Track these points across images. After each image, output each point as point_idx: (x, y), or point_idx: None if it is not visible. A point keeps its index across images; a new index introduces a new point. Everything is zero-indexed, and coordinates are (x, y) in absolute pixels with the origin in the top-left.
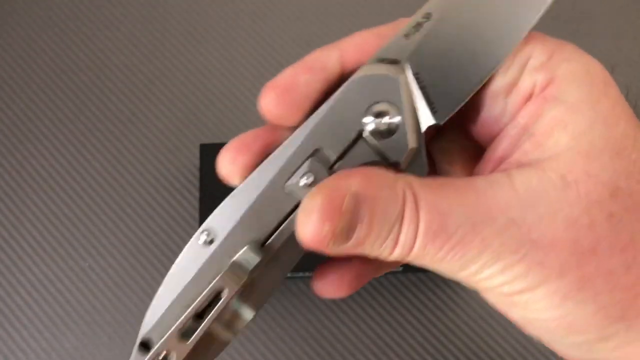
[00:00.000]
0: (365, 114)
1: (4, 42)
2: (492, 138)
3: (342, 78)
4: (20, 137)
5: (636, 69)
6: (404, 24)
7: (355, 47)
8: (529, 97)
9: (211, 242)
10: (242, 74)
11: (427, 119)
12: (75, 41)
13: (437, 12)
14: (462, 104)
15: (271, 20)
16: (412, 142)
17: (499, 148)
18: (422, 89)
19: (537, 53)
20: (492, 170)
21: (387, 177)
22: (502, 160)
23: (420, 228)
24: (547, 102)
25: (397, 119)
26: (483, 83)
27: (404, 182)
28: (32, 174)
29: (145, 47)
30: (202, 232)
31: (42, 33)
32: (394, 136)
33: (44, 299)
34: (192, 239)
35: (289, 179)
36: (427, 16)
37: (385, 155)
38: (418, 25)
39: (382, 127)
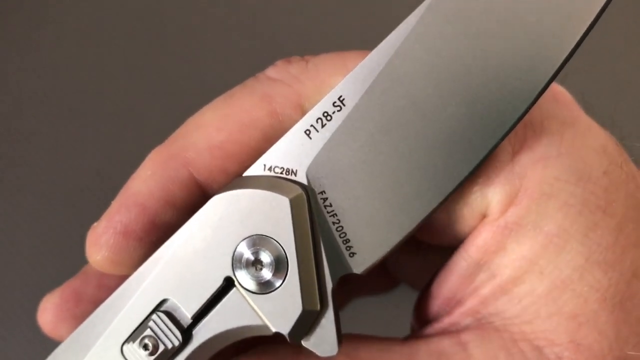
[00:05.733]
0: (234, 254)
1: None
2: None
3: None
4: (15, 136)
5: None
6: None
7: (210, 151)
8: (480, 217)
9: None
10: (241, 73)
11: (338, 266)
12: (70, 37)
13: (352, 97)
14: (397, 243)
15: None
16: (306, 302)
17: (448, 282)
18: (331, 217)
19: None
20: (439, 315)
21: None
22: (451, 301)
23: None
24: (509, 233)
25: (283, 264)
26: (428, 215)
27: None
28: (29, 172)
29: (143, 45)
30: None
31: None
32: (278, 290)
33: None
34: None
35: (127, 339)
36: (339, 102)
37: (264, 321)
38: (325, 116)
39: (261, 277)
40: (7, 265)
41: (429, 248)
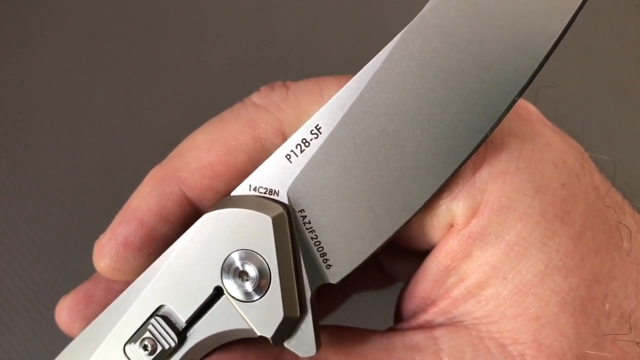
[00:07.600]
0: (223, 266)
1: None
2: (418, 249)
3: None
4: (15, 136)
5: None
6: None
7: (200, 171)
8: (448, 226)
9: None
10: (243, 74)
11: (316, 277)
12: (72, 37)
13: (327, 125)
14: (368, 256)
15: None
16: (287, 309)
17: (422, 284)
18: (310, 233)
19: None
20: (416, 312)
21: None
22: (426, 300)
23: None
24: (474, 242)
25: (267, 276)
26: (396, 231)
27: None
28: (29, 173)
29: (144, 45)
30: None
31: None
32: (262, 299)
33: (39, 301)
34: None
35: (129, 340)
36: (316, 130)
37: (250, 325)
38: (304, 142)
39: (247, 288)
40: (7, 265)
41: (420, 250)
